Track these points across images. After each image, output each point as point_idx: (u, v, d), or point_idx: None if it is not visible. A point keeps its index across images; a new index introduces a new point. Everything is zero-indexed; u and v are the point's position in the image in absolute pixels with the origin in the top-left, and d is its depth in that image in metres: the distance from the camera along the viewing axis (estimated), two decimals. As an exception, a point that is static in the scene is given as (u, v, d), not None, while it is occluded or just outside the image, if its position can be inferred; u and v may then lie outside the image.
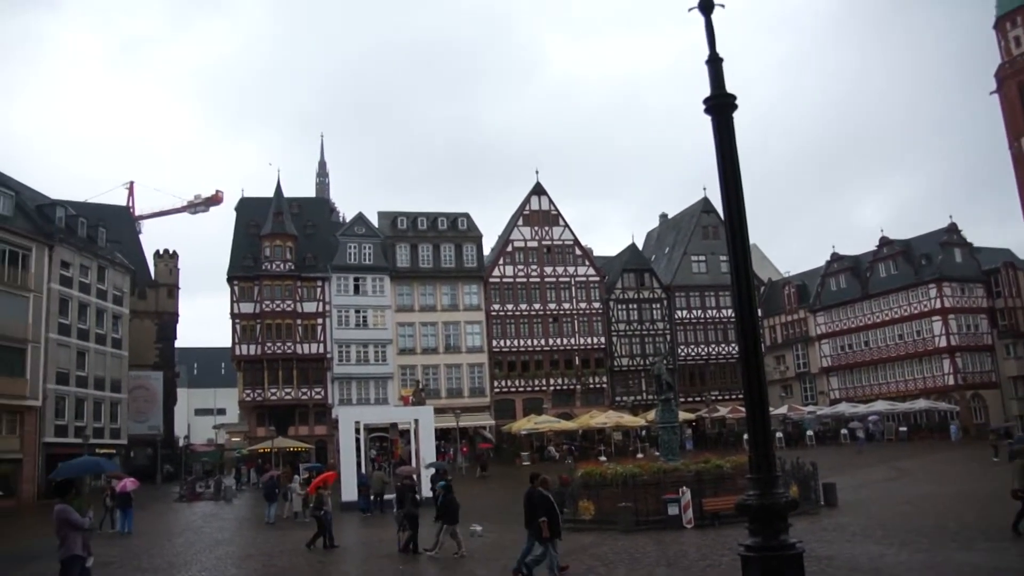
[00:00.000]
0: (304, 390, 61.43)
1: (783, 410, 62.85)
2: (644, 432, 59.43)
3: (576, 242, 70.27)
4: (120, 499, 27.57)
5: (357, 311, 63.75)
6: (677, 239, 75.93)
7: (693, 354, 70.05)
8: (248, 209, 66.56)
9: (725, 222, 6.58)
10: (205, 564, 19.20)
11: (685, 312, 70.70)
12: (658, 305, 70.28)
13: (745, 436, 38.85)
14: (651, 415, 51.32)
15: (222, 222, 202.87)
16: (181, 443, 77.37)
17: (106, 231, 61.37)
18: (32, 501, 45.44)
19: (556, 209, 70.34)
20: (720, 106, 6.64)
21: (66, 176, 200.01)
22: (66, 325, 52.88)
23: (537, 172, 70.98)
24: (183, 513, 36.55)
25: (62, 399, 52.15)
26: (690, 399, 66.22)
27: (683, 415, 51.49)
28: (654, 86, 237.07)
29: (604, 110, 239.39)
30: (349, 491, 32.60)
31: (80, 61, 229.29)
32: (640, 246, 78.05)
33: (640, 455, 48.56)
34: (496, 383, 65.35)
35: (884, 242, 66.64)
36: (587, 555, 17.24)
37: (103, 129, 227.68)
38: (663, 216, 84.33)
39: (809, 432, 60.50)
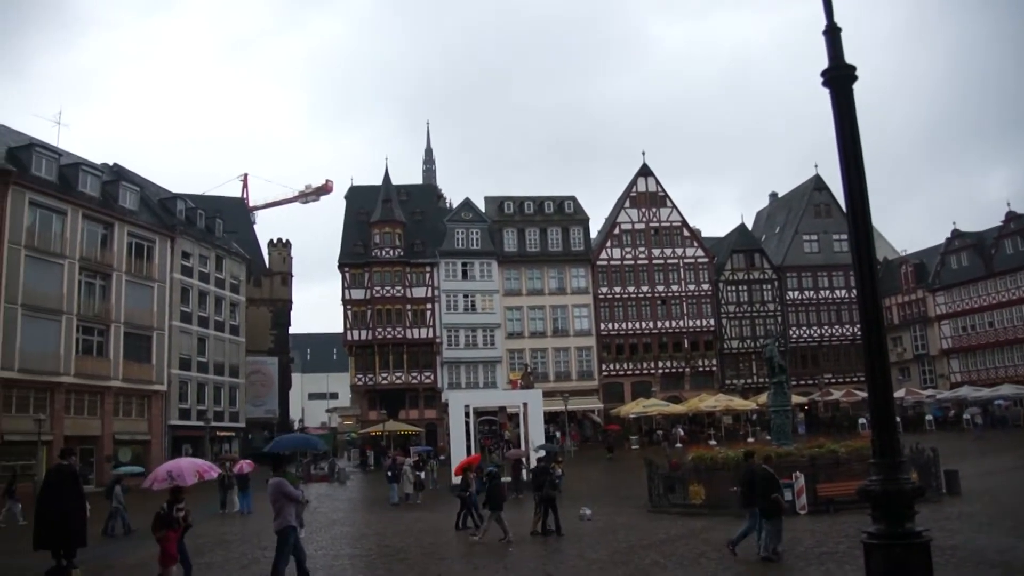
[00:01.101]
0: (414, 374, 62.38)
1: (900, 393, 60.28)
2: (755, 416, 58.41)
3: (684, 223, 69.31)
4: (239, 480, 28.66)
5: (465, 296, 64.35)
6: (788, 218, 74.07)
7: (805, 336, 68.37)
8: (357, 197, 67.80)
9: (845, 199, 6.31)
10: (321, 543, 19.69)
11: (797, 293, 69.05)
12: (769, 286, 68.82)
13: (860, 420, 37.88)
14: (762, 398, 50.39)
15: (332, 211, 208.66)
16: (296, 426, 79.70)
17: (223, 222, 63.65)
18: (160, 480, 47.40)
19: (663, 190, 69.53)
20: (839, 78, 6.36)
21: (185, 170, 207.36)
22: (187, 313, 55.07)
23: (643, 153, 70.13)
24: (300, 494, 37.48)
25: (185, 384, 54.40)
26: (802, 382, 64.55)
27: (795, 399, 50.40)
28: (762, 62, 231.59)
29: (711, 89, 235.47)
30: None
31: (195, 60, 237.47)
32: (750, 226, 76.62)
33: (751, 439, 47.84)
34: (604, 366, 65.12)
35: (1011, 217, 63.23)
36: (699, 540, 17.04)
37: (218, 124, 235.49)
38: (773, 195, 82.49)
39: (928, 417, 58.25)
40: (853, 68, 6.34)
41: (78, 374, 44.78)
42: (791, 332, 67.83)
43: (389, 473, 32.16)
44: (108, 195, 50.10)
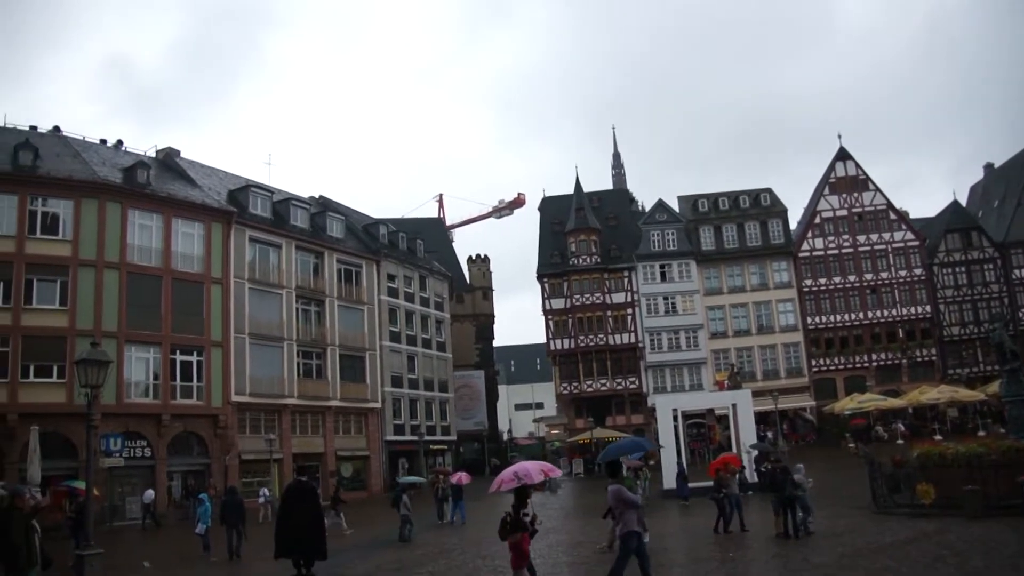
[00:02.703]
0: (619, 380, 62.43)
1: None
2: (985, 407, 54.61)
3: (889, 206, 65.92)
4: (453, 491, 29.61)
5: (665, 298, 63.79)
6: (1008, 190, 68.54)
7: (1038, 317, 63.21)
8: (550, 208, 68.72)
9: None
10: (538, 551, 19.87)
11: (1024, 271, 63.91)
12: (990, 265, 64.09)
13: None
14: (991, 388, 47.13)
15: (527, 223, 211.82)
16: (505, 437, 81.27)
17: (423, 243, 66.05)
18: (380, 493, 49.81)
19: (864, 173, 66.43)
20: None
21: (384, 196, 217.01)
22: (395, 332, 57.43)
23: (840, 136, 67.15)
24: (514, 504, 38.15)
25: (397, 400, 56.73)
26: (1037, 367, 59.58)
27: (1031, 386, 46.78)
28: (961, 21, 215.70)
29: (905, 58, 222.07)
30: (669, 479, 32.58)
31: (387, 89, 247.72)
32: (963, 202, 71.82)
33: (982, 432, 44.75)
34: (814, 362, 62.82)
35: None
36: (933, 543, 16.06)
37: (412, 149, 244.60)
38: (988, 166, 76.70)
39: None
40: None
41: (301, 395, 47.84)
42: (1020, 314, 62.93)
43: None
44: (317, 226, 53.16)
